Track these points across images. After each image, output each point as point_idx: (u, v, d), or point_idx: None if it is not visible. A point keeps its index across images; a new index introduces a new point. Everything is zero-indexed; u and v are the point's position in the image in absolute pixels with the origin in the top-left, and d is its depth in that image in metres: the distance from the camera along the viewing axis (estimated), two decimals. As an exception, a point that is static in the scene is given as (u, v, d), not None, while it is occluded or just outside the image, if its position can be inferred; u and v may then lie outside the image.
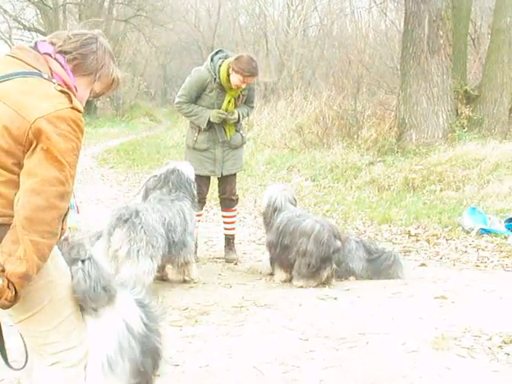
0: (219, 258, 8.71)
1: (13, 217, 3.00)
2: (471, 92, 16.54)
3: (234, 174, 8.62)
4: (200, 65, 8.49)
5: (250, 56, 8.12)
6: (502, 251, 8.69)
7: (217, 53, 8.30)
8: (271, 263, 7.74)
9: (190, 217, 7.39)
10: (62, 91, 3.14)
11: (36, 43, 3.38)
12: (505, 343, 5.30)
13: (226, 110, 8.24)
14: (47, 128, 2.98)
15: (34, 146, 3.00)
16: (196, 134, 8.36)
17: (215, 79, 8.07)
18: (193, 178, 7.65)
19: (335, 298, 6.80)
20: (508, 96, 16.10)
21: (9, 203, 3.02)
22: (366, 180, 13.89)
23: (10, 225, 3.01)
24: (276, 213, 7.69)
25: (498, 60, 16.10)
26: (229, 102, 8.24)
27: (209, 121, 8.18)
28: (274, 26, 37.61)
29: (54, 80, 3.21)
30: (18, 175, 3.02)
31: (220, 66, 8.05)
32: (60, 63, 3.31)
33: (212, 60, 8.15)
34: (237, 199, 8.77)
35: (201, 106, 8.25)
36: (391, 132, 16.63)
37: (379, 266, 7.73)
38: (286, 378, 4.73)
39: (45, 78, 3.19)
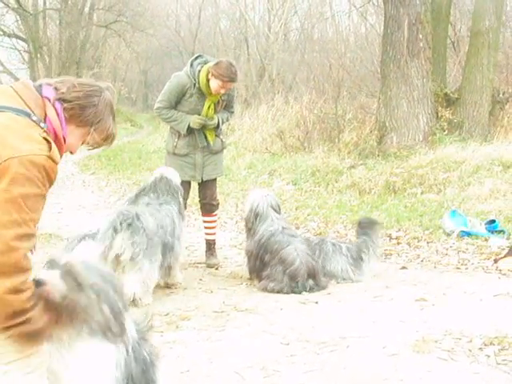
0: (200, 263, 8.69)
1: None
2: (451, 95, 16.57)
3: (215, 179, 8.62)
4: (181, 70, 8.48)
5: (229, 61, 8.11)
6: (482, 253, 8.71)
7: (196, 58, 8.29)
8: (249, 271, 7.74)
9: (178, 221, 7.48)
10: (45, 138, 3.13)
11: (41, 85, 3.38)
12: (485, 345, 5.32)
13: (206, 116, 8.24)
14: (17, 169, 2.97)
15: None
16: (176, 140, 8.36)
17: (195, 85, 8.06)
18: (179, 184, 7.78)
19: (316, 302, 6.81)
20: (488, 99, 16.16)
21: None
22: (347, 183, 13.89)
23: None
24: (258, 219, 7.68)
25: (478, 63, 16.15)
26: (208, 107, 8.23)
27: (189, 126, 8.17)
28: (255, 30, 37.56)
29: (42, 124, 3.20)
30: None
31: (199, 71, 8.05)
32: (56, 111, 3.31)
33: (192, 65, 8.14)
34: (217, 204, 8.76)
35: (181, 111, 8.25)
36: (372, 135, 16.64)
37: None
38: (266, 383, 4.73)
39: (33, 120, 3.19)
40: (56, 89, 3.37)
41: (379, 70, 17.76)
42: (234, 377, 4.85)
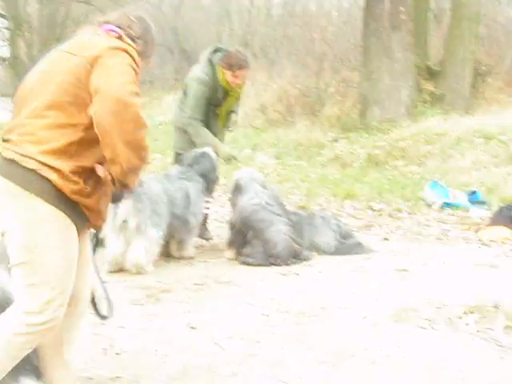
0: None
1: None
2: (433, 67, 16.55)
3: None
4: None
5: (237, 50, 8.01)
6: (463, 224, 8.76)
7: (214, 52, 7.98)
8: (229, 243, 7.66)
9: (196, 198, 7.45)
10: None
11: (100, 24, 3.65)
12: (465, 314, 5.35)
13: (226, 112, 8.17)
14: (109, 50, 3.34)
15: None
16: None
17: (219, 86, 7.86)
18: (216, 164, 7.73)
19: (297, 274, 6.81)
20: (469, 71, 16.13)
21: None
22: (329, 157, 13.91)
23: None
24: (239, 191, 7.61)
25: (459, 35, 16.10)
26: (230, 104, 8.13)
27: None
28: (237, 5, 37.34)
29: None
30: None
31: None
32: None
33: (211, 63, 7.85)
34: None
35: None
36: (354, 109, 16.63)
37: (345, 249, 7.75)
38: (246, 353, 4.71)
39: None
40: (120, 27, 3.61)
41: (361, 44, 17.71)
42: (214, 348, 4.83)
